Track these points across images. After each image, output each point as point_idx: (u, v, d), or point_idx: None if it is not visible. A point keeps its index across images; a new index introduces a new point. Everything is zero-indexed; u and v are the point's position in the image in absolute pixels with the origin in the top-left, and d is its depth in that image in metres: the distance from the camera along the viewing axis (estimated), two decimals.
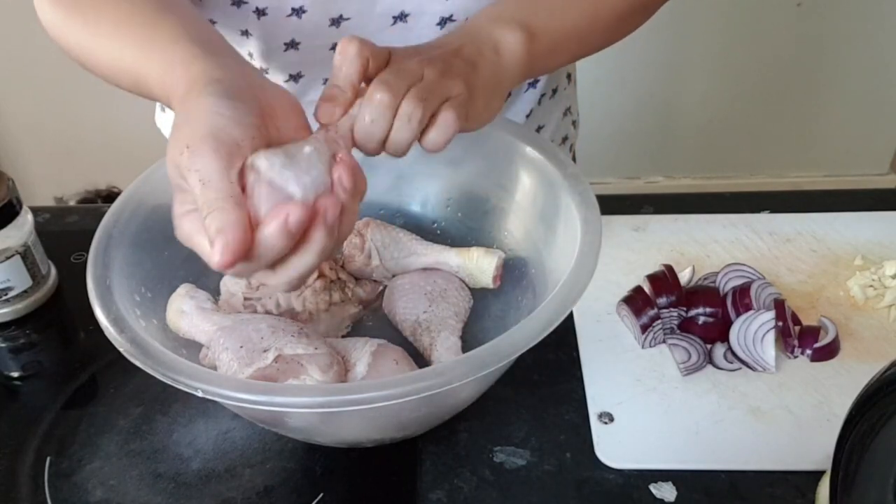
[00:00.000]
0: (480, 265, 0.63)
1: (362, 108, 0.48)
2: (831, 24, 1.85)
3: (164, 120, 0.88)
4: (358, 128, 0.48)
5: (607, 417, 0.60)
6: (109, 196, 1.89)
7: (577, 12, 0.60)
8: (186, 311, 0.59)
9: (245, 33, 0.70)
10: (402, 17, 0.68)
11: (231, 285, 0.63)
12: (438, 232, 0.71)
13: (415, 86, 0.49)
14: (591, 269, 0.52)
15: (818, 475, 0.53)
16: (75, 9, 0.57)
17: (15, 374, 0.69)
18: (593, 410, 0.61)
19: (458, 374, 0.46)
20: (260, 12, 0.66)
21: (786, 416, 0.60)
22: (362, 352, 0.55)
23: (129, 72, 0.53)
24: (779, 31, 1.86)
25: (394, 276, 0.66)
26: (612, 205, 0.76)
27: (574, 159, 0.93)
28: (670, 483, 0.56)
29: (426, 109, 0.48)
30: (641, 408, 0.61)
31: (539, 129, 0.82)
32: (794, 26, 1.86)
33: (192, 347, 0.60)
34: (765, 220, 0.78)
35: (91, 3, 0.56)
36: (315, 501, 0.56)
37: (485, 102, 0.52)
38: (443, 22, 0.69)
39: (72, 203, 1.90)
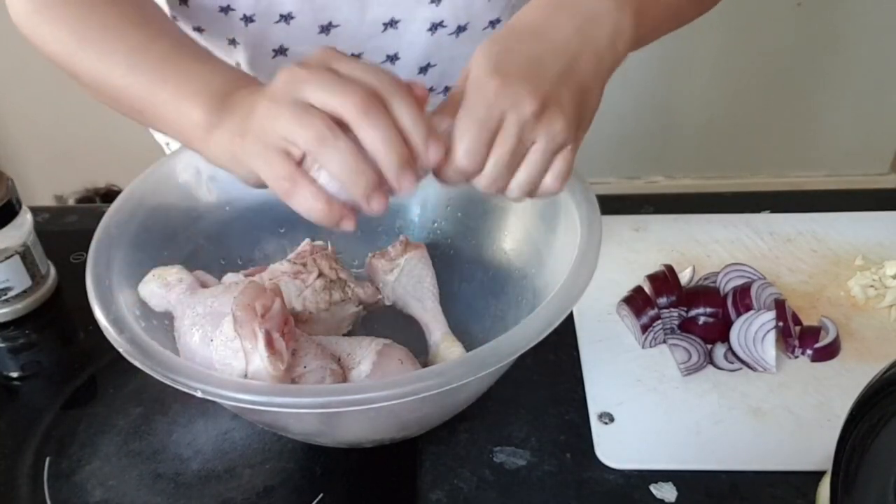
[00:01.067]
0: (443, 355, 0.62)
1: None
2: (831, 23, 1.85)
3: None
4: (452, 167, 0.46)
5: (607, 417, 0.60)
6: (108, 195, 1.89)
7: None
8: (172, 282, 0.57)
9: (232, 42, 0.70)
10: (392, 23, 0.68)
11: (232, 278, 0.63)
12: (438, 231, 0.71)
13: (499, 142, 0.45)
14: (591, 268, 0.52)
15: (819, 475, 0.52)
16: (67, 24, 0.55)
17: (14, 375, 0.69)
18: (593, 410, 0.61)
19: (458, 374, 0.46)
20: (248, 19, 0.66)
21: (786, 416, 0.60)
22: (367, 350, 0.55)
23: (136, 94, 0.53)
24: (779, 30, 1.86)
25: (391, 301, 0.66)
26: (612, 205, 0.76)
27: None
28: (671, 483, 0.56)
29: (524, 171, 0.46)
30: (642, 408, 0.61)
31: None
32: (794, 26, 1.85)
33: None
34: (765, 220, 0.78)
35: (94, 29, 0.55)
36: (315, 501, 0.56)
37: (588, 108, 0.49)
38: (433, 28, 0.69)
39: (71, 202, 1.90)
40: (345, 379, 0.54)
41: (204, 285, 0.58)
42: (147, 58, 0.52)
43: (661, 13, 0.54)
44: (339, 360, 0.55)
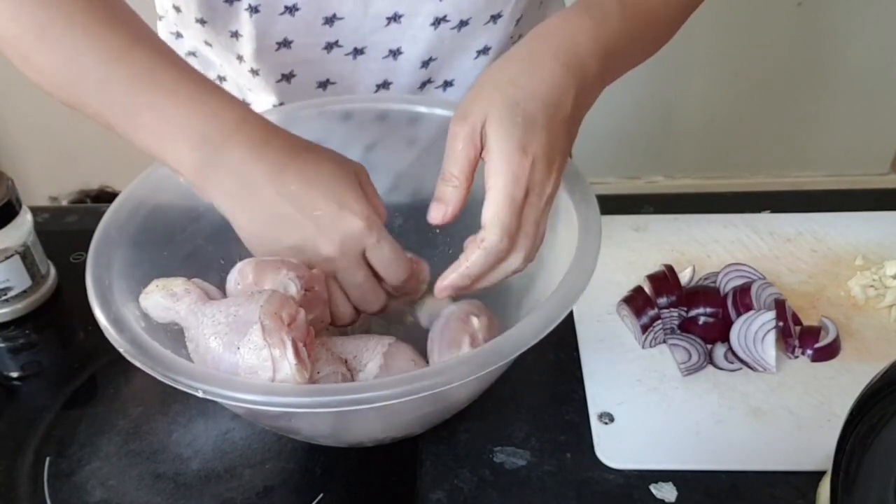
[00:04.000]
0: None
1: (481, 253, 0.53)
2: (832, 23, 1.85)
3: None
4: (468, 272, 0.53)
5: (607, 417, 0.60)
6: (99, 196, 1.89)
7: (643, 20, 0.61)
8: (179, 293, 0.57)
9: (235, 35, 0.69)
10: (395, 17, 0.68)
11: (233, 287, 0.63)
12: (437, 231, 0.71)
13: (526, 216, 0.51)
14: (590, 268, 0.52)
15: (819, 475, 0.52)
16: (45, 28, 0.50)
17: (14, 375, 0.69)
18: (593, 410, 0.61)
19: (458, 373, 0.46)
20: (253, 9, 0.66)
21: (786, 416, 0.60)
22: (373, 352, 0.55)
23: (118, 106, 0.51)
24: (779, 30, 1.86)
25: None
26: (612, 205, 0.76)
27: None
28: (671, 483, 0.56)
29: (539, 235, 0.52)
30: (642, 408, 0.61)
31: None
32: (794, 26, 1.86)
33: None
34: (765, 220, 0.78)
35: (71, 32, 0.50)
36: (315, 501, 0.56)
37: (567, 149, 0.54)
38: (437, 22, 0.69)
39: (65, 203, 1.90)
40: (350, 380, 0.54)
41: (208, 295, 0.58)
42: (123, 69, 0.50)
43: (627, 50, 0.59)
44: (346, 362, 0.55)
